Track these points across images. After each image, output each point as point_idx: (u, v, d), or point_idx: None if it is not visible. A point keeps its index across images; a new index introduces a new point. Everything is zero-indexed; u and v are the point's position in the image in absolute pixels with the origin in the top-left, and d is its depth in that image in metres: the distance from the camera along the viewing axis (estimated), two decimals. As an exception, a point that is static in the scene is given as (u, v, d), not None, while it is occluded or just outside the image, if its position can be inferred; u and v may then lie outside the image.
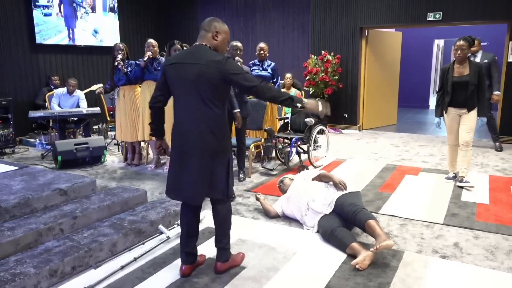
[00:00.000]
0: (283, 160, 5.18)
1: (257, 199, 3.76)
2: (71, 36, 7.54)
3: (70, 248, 2.67)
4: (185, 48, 4.56)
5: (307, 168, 4.93)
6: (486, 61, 5.70)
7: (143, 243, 2.99)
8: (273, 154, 5.09)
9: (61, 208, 3.12)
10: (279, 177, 4.71)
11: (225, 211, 2.57)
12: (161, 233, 3.13)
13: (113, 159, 5.88)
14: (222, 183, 2.45)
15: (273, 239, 3.13)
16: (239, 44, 4.63)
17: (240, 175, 4.73)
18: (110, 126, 7.38)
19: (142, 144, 5.62)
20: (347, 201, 3.10)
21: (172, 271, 2.65)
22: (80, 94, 6.52)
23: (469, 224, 3.37)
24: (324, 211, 3.19)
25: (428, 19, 6.91)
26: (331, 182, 3.38)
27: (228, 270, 2.63)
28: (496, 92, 5.69)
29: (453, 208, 3.73)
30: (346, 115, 7.89)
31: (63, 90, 6.45)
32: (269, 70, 5.34)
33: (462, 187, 4.29)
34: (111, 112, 6.99)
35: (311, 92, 7.46)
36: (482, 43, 5.89)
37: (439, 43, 12.43)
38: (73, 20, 7.53)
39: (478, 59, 5.83)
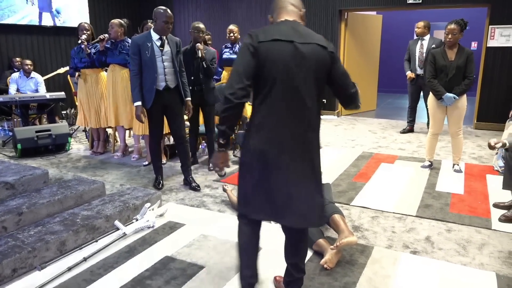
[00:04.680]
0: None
1: (224, 190, 3.57)
2: (35, 16, 7.11)
3: (12, 248, 2.44)
4: None
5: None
6: (433, 46, 5.62)
7: (96, 241, 2.78)
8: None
9: (6, 204, 2.87)
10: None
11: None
12: (117, 229, 2.92)
13: (79, 146, 5.59)
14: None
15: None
16: (201, 25, 4.28)
17: (211, 164, 4.52)
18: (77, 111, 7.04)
19: (109, 130, 5.34)
20: (315, 194, 2.93)
21: (125, 271, 2.45)
22: (38, 77, 6.14)
23: (442, 216, 3.25)
24: (292, 204, 3.02)
25: (408, 2, 6.72)
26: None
27: None
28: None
29: (427, 199, 3.61)
30: (325, 100, 7.71)
31: (18, 74, 6.06)
32: (241, 54, 5.09)
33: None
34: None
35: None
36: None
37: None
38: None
39: (425, 43, 5.77)
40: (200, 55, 4.13)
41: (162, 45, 3.59)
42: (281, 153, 1.76)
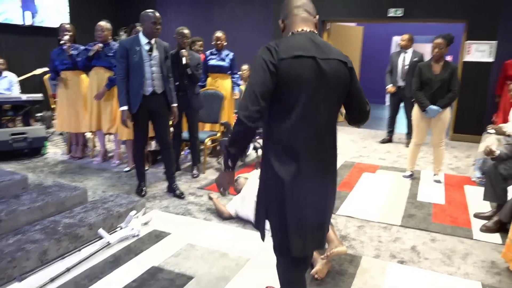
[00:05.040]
0: (240, 155, 4.96)
1: (210, 198, 3.53)
2: (12, 14, 6.88)
3: (-10, 258, 2.32)
4: None
5: (265, 164, 4.74)
6: (416, 59, 5.78)
7: (79, 250, 2.68)
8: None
9: (-17, 211, 2.73)
10: (236, 173, 4.50)
11: None
12: (101, 237, 2.82)
13: (56, 150, 5.42)
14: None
15: (225, 243, 2.91)
16: (186, 30, 4.20)
17: (194, 171, 4.46)
18: (54, 114, 6.82)
19: (88, 135, 5.20)
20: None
21: (111, 282, 2.37)
22: (11, 76, 5.90)
23: (426, 226, 3.31)
24: (280, 213, 3.00)
25: (389, 15, 6.88)
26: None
27: None
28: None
29: (410, 209, 3.67)
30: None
31: None
32: (227, 60, 5.08)
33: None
34: (56, 99, 6.45)
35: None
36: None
37: (397, 40, 12.60)
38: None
39: (408, 56, 5.91)
40: (185, 62, 4.09)
41: (150, 50, 3.53)
42: (309, 176, 1.64)
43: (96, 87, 4.52)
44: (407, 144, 6.18)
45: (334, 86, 1.62)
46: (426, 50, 17.33)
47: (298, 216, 1.66)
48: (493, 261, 2.78)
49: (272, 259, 2.01)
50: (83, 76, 4.79)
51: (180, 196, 3.81)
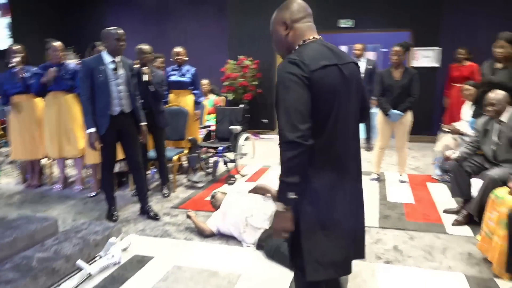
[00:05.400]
0: (208, 171, 4.90)
1: (188, 216, 3.42)
2: None
3: (-40, 305, 2.10)
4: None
5: (234, 178, 4.71)
6: (370, 66, 6.08)
7: (58, 285, 2.49)
8: (197, 165, 4.78)
9: None
10: (206, 189, 4.43)
11: None
12: (80, 269, 2.64)
13: (8, 180, 5.04)
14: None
15: (212, 262, 2.84)
16: (145, 46, 4.12)
17: (164, 190, 4.33)
18: (2, 141, 6.36)
19: (44, 161, 4.88)
20: (289, 214, 2.93)
21: (99, 316, 2.23)
22: None
23: (402, 225, 3.43)
24: (264, 226, 3.00)
25: (340, 25, 7.15)
26: (269, 195, 3.20)
27: None
28: (374, 98, 6.04)
29: (384, 210, 3.79)
30: (266, 120, 7.84)
31: None
32: (188, 76, 5.01)
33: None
34: (4, 125, 6.02)
35: (230, 98, 7.26)
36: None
37: (344, 49, 13.13)
38: None
39: (363, 64, 6.19)
40: (147, 79, 3.98)
41: (115, 68, 3.41)
42: (345, 184, 1.63)
43: (55, 112, 4.27)
44: (367, 148, 6.41)
45: (355, 89, 1.63)
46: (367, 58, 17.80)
47: (346, 227, 1.63)
48: (470, 252, 2.93)
49: (264, 272, 1.99)
50: (37, 100, 4.51)
51: (155, 217, 3.67)
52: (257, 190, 3.30)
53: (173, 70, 5.02)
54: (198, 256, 2.93)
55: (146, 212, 3.73)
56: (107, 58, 3.39)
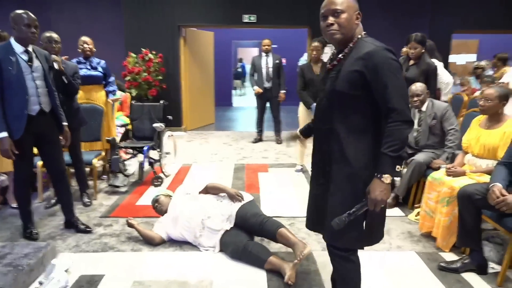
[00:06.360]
0: (126, 173, 4.43)
1: (131, 225, 3.09)
2: None
3: None
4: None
5: (161, 179, 4.41)
6: (277, 61, 6.36)
7: (0, 326, 2.02)
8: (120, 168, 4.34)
9: None
10: (132, 194, 4.08)
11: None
12: (22, 302, 2.18)
13: None
14: None
15: (175, 271, 2.61)
16: (54, 35, 3.66)
17: (85, 198, 3.84)
18: None
19: None
20: (250, 212, 2.87)
21: None
22: None
23: (343, 212, 3.63)
24: (224, 227, 2.86)
25: (244, 20, 7.21)
26: (223, 194, 3.07)
27: None
28: (283, 91, 6.40)
29: (320, 199, 3.96)
30: (171, 117, 7.49)
31: None
32: (100, 69, 4.51)
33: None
34: None
35: (134, 94, 6.75)
36: (272, 46, 6.49)
37: (236, 44, 13.35)
38: None
39: (270, 58, 6.40)
40: (58, 68, 3.45)
41: (30, 60, 2.87)
42: None
43: None
44: (277, 141, 6.63)
45: None
46: (252, 53, 18.69)
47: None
48: (409, 231, 3.24)
49: (236, 274, 1.90)
50: None
51: (86, 230, 3.23)
52: (209, 190, 3.14)
53: (80, 63, 4.44)
54: (158, 267, 2.67)
55: (73, 226, 3.25)
56: (17, 47, 2.83)
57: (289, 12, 7.21)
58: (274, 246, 2.91)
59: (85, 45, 4.44)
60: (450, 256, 2.80)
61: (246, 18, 7.20)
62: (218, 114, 10.26)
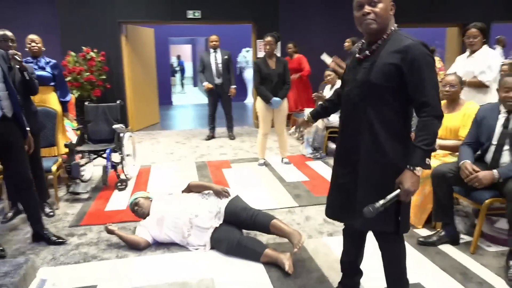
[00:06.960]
0: (83, 179, 4.15)
1: (110, 231, 2.95)
2: None
3: None
4: None
5: (126, 182, 4.23)
6: (226, 57, 6.42)
7: None
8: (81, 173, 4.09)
9: None
10: (96, 199, 3.89)
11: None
12: (17, 324, 2.00)
13: None
14: None
15: (172, 273, 2.55)
16: (8, 32, 3.43)
17: (47, 209, 3.57)
18: None
19: None
20: (239, 207, 2.89)
21: None
22: None
23: (316, 201, 3.77)
24: (213, 224, 2.85)
25: (188, 16, 7.09)
26: (208, 191, 3.04)
27: None
28: (233, 86, 6.50)
29: (291, 190, 4.07)
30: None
31: None
32: (48, 69, 4.20)
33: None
34: None
35: (76, 96, 6.34)
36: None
37: (171, 41, 13.03)
38: None
39: (219, 55, 6.41)
40: (19, 64, 3.17)
41: (-13, 61, 2.62)
42: None
43: None
44: (230, 137, 6.65)
45: None
46: (184, 50, 18.32)
47: None
48: (381, 212, 3.46)
49: (235, 269, 1.94)
50: None
51: (60, 241, 3.02)
52: (192, 189, 3.10)
53: (27, 63, 4.08)
54: (151, 271, 2.59)
55: (43, 238, 3.02)
56: (-29, 47, 2.57)
57: (234, 8, 7.23)
58: (261, 238, 2.95)
59: (33, 44, 4.11)
60: (423, 232, 3.05)
61: (190, 14, 7.08)
62: (161, 113, 10.01)
